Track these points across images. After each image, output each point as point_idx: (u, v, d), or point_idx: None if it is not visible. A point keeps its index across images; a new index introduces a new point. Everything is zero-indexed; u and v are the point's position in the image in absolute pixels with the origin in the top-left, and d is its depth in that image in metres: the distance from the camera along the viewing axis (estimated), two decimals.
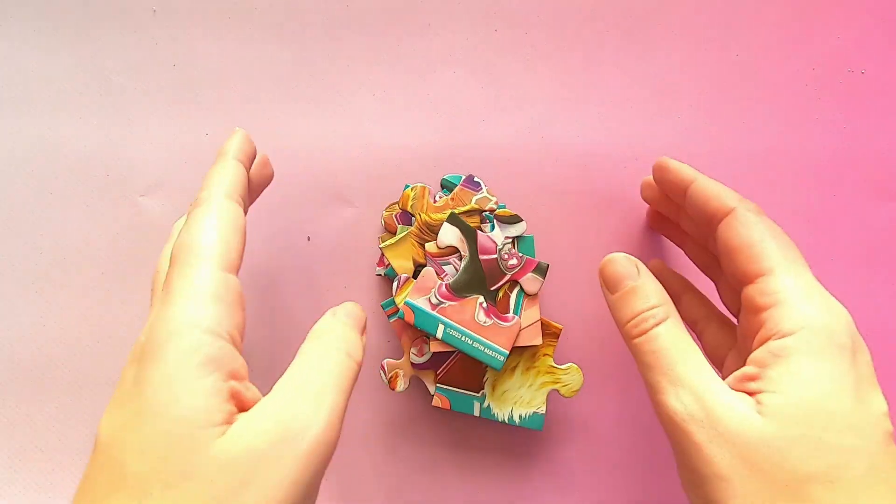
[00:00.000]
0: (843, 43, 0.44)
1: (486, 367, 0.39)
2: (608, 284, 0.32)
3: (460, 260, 0.39)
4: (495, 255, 0.39)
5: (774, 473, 0.25)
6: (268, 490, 0.23)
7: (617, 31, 0.44)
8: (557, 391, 0.40)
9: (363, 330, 0.32)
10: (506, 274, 0.39)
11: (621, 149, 0.43)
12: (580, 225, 0.43)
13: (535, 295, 0.39)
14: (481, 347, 0.37)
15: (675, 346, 0.29)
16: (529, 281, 0.39)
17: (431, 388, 0.40)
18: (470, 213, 0.40)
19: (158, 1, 0.43)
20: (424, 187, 0.41)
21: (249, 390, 0.26)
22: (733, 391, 0.27)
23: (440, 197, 0.41)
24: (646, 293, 0.31)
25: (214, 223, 0.28)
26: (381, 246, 0.40)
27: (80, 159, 0.42)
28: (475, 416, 0.40)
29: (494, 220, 0.40)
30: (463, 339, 0.37)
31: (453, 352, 0.39)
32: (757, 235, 0.31)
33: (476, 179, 0.40)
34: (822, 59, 0.44)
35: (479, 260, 0.39)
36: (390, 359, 0.40)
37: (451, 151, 0.43)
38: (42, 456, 0.41)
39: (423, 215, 0.40)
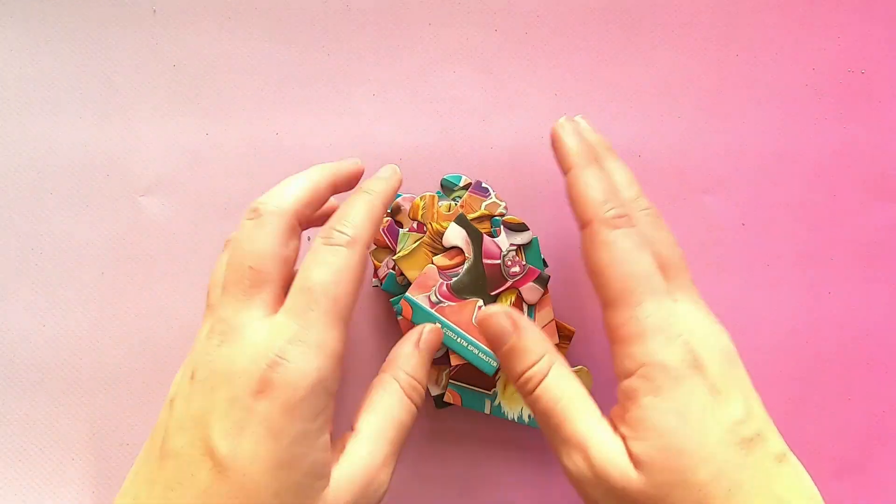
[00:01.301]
0: (843, 43, 0.44)
1: (500, 365, 0.39)
2: (492, 342, 0.32)
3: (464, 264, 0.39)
4: (499, 261, 0.39)
5: None
6: None
7: (617, 30, 0.44)
8: None
9: (431, 359, 0.35)
10: (507, 280, 0.39)
11: (622, 149, 0.43)
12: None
13: (545, 298, 0.39)
14: (475, 351, 0.37)
15: (559, 402, 0.30)
16: (529, 290, 0.39)
17: (433, 389, 0.39)
18: (480, 219, 0.40)
19: (158, 1, 0.43)
20: (434, 196, 0.40)
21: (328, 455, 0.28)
22: (613, 440, 0.29)
23: (442, 204, 0.41)
24: (524, 350, 0.31)
25: (352, 276, 0.28)
26: (395, 257, 0.39)
27: (80, 159, 0.42)
28: (485, 414, 0.40)
29: (501, 226, 0.40)
30: (458, 340, 0.37)
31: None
32: (605, 259, 0.30)
33: (484, 185, 0.40)
34: (822, 59, 0.44)
35: (482, 264, 0.38)
36: None
37: (451, 151, 0.43)
38: (42, 456, 0.41)
39: (434, 224, 0.40)
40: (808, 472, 0.43)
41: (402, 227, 0.40)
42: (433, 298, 0.37)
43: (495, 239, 0.39)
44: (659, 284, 0.30)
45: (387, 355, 0.41)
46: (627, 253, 0.30)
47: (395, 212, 0.41)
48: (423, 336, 0.34)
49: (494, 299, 0.38)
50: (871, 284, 0.44)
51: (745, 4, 0.44)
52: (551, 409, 0.30)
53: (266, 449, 0.25)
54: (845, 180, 0.44)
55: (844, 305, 0.44)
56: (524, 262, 0.39)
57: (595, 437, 0.29)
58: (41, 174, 0.42)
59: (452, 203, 0.42)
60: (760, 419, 0.29)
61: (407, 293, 0.38)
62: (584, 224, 0.32)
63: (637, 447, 0.28)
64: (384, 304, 0.42)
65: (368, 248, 0.30)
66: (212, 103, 0.43)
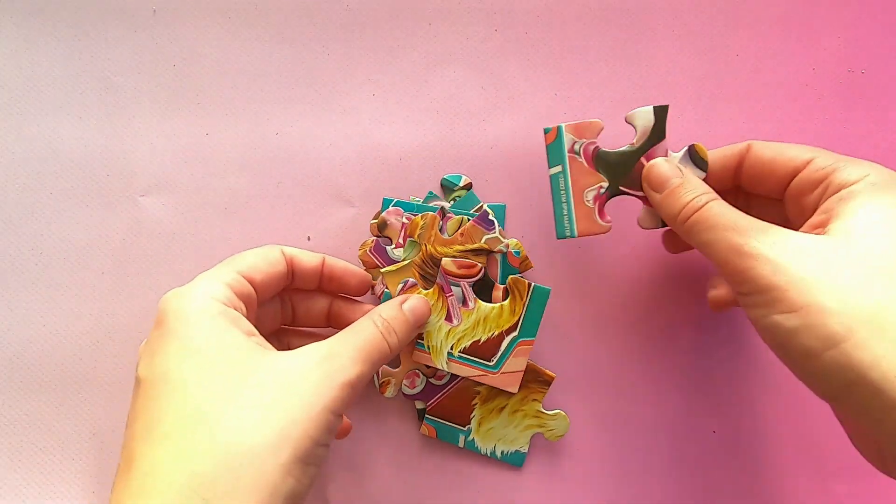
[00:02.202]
0: (843, 43, 0.44)
1: (475, 404, 0.41)
2: (654, 185, 0.35)
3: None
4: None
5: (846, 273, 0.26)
6: (310, 403, 0.28)
7: (617, 30, 0.44)
8: (542, 434, 0.41)
9: (417, 326, 0.37)
10: (640, 190, 0.37)
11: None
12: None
13: (525, 348, 0.39)
14: (565, 210, 0.38)
15: (730, 211, 0.31)
16: (647, 214, 0.38)
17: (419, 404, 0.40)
18: (478, 251, 0.40)
19: (158, 1, 0.43)
20: (435, 217, 0.40)
21: (268, 344, 0.32)
22: (793, 233, 0.29)
23: (446, 218, 0.40)
24: (692, 186, 0.33)
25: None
26: (382, 270, 0.40)
27: (80, 159, 0.42)
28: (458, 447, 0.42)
29: (687, 149, 0.37)
30: (562, 191, 0.38)
31: (446, 386, 0.41)
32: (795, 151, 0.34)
33: (491, 218, 0.39)
34: (822, 59, 0.44)
35: (641, 157, 0.37)
36: (386, 365, 0.41)
37: (451, 151, 0.43)
38: (42, 456, 0.41)
39: (429, 246, 0.39)
40: (809, 471, 0.43)
41: (389, 244, 0.40)
42: (576, 148, 0.37)
43: (673, 159, 0.36)
44: None
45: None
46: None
47: (381, 228, 0.40)
48: (410, 301, 0.36)
49: (618, 190, 0.38)
50: None
51: (745, 4, 0.44)
52: (720, 214, 0.31)
53: (178, 353, 0.29)
54: None
55: None
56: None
57: (774, 231, 0.29)
58: (41, 174, 0.42)
59: (451, 212, 0.42)
60: None
61: (562, 124, 0.37)
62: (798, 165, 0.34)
63: (833, 224, 0.29)
64: None
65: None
66: (212, 103, 0.43)
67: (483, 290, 0.39)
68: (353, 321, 0.35)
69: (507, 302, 0.39)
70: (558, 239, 0.38)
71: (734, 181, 0.37)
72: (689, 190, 0.33)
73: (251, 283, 0.33)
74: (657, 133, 0.37)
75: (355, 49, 0.43)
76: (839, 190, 0.30)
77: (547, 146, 0.38)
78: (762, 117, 0.44)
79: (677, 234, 0.34)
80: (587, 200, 0.38)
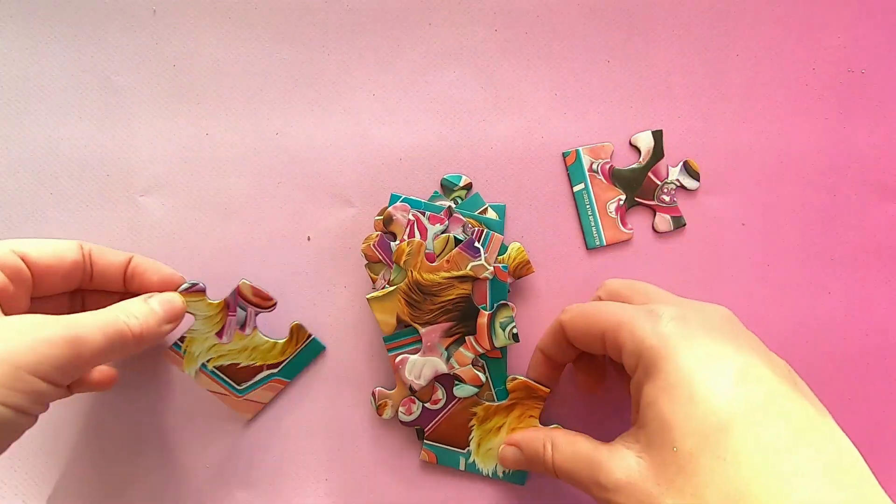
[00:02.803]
0: (843, 43, 0.44)
1: (472, 425, 0.41)
2: (519, 468, 0.39)
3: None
4: (660, 182, 0.43)
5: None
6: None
7: (617, 30, 0.44)
8: None
9: (168, 316, 0.37)
10: (653, 200, 0.43)
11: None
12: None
13: (282, 384, 0.41)
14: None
15: (570, 467, 0.33)
16: (662, 220, 0.43)
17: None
18: (463, 278, 0.39)
19: (158, 1, 0.43)
20: (421, 244, 0.39)
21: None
22: (619, 453, 0.30)
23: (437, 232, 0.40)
24: (531, 457, 0.37)
25: None
26: (368, 297, 0.39)
27: (80, 159, 0.42)
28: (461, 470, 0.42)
29: (682, 164, 0.43)
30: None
31: (442, 410, 0.41)
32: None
33: (476, 245, 0.39)
34: (822, 59, 0.44)
35: (650, 173, 0.43)
36: (382, 388, 0.41)
37: (451, 151, 0.43)
38: (42, 456, 0.41)
39: (415, 273, 0.39)
40: None
41: (394, 240, 0.40)
42: (594, 167, 0.42)
43: (672, 173, 0.43)
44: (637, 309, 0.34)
45: (376, 365, 0.41)
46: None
47: (386, 223, 0.40)
48: (158, 295, 0.37)
49: (634, 201, 0.43)
50: (871, 284, 0.44)
51: (745, 4, 0.44)
52: (567, 471, 0.33)
53: None
54: (845, 180, 0.44)
55: (844, 305, 0.44)
56: (672, 198, 0.42)
57: (598, 459, 0.31)
58: (41, 174, 0.42)
59: (441, 199, 0.42)
60: (770, 384, 0.28)
61: (579, 148, 0.42)
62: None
63: (641, 436, 0.30)
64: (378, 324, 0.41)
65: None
66: (212, 103, 0.43)
67: (468, 315, 0.39)
68: (150, 280, 0.37)
69: (282, 342, 0.41)
70: (588, 249, 0.42)
71: (577, 351, 0.38)
72: (535, 454, 0.36)
73: (26, 262, 0.33)
74: (657, 153, 0.43)
75: (355, 49, 0.43)
76: (631, 368, 0.32)
77: (568, 167, 0.43)
78: (762, 117, 0.44)
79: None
80: (610, 212, 0.43)
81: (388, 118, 0.43)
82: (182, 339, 0.40)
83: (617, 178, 0.43)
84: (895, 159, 0.44)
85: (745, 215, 0.44)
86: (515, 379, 0.40)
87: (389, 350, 0.40)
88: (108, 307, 0.34)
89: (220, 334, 0.40)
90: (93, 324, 0.31)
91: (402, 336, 0.40)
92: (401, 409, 0.41)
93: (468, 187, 0.42)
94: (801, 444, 0.26)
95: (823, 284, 0.44)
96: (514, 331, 0.39)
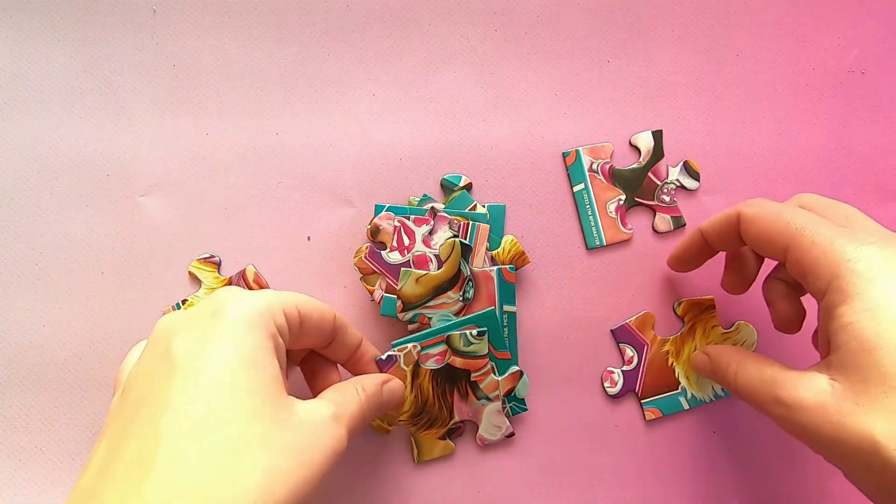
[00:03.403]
0: (843, 43, 0.44)
1: (672, 363, 0.42)
2: (705, 375, 0.38)
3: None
4: (659, 182, 0.43)
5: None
6: (320, 455, 0.27)
7: (617, 30, 0.44)
8: None
9: (388, 409, 0.36)
10: (653, 200, 0.43)
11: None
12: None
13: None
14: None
15: (754, 382, 0.32)
16: (662, 220, 0.43)
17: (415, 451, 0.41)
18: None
19: (158, 1, 0.43)
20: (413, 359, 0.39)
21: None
22: (805, 376, 0.29)
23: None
24: (718, 362, 0.35)
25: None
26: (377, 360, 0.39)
27: (80, 159, 0.42)
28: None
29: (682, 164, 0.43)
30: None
31: (639, 365, 0.42)
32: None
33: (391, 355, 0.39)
34: (822, 59, 0.44)
35: (649, 173, 0.43)
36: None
37: (451, 151, 0.43)
38: (42, 456, 0.41)
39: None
40: (808, 471, 0.43)
41: (383, 249, 0.40)
42: (594, 167, 0.43)
43: (672, 173, 0.43)
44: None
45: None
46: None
47: (374, 234, 0.40)
48: (391, 384, 0.36)
49: (634, 201, 0.43)
50: None
51: (745, 4, 0.44)
52: (748, 390, 0.32)
53: (228, 352, 0.26)
54: (845, 180, 0.44)
55: None
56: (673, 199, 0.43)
57: (781, 379, 0.30)
58: (41, 174, 0.42)
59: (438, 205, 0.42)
60: None
61: (579, 148, 0.42)
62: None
63: (834, 360, 0.28)
64: (378, 324, 0.41)
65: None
66: (212, 103, 0.43)
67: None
68: (325, 380, 0.35)
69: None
70: (588, 249, 0.43)
71: (740, 243, 0.36)
72: (721, 363, 0.35)
73: (300, 325, 0.31)
74: (657, 153, 0.43)
75: (355, 49, 0.43)
76: (821, 298, 0.30)
77: (568, 167, 0.43)
78: (762, 117, 0.44)
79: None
80: (610, 212, 0.43)
81: (388, 118, 0.43)
82: (184, 301, 0.41)
83: (617, 178, 0.43)
84: (895, 159, 0.44)
85: None
86: (682, 302, 0.42)
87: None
88: (351, 389, 0.32)
89: None
90: (353, 428, 0.30)
91: (409, 341, 0.39)
92: (605, 383, 0.42)
93: (468, 187, 0.43)
94: None
95: None
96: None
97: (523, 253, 0.41)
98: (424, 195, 0.42)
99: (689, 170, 0.43)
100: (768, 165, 0.44)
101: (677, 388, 0.42)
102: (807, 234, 0.30)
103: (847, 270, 0.28)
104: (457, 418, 0.41)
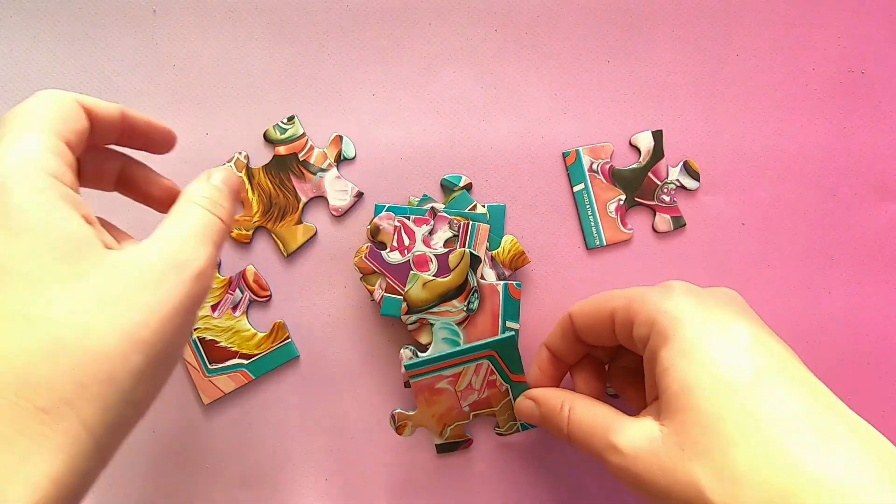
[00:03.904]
0: (843, 43, 0.44)
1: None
2: (532, 423, 0.37)
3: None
4: (659, 182, 0.43)
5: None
6: (159, 300, 0.24)
7: (617, 31, 0.44)
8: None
9: (236, 195, 0.31)
10: (653, 200, 0.43)
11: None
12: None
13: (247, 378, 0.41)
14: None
15: (584, 427, 0.32)
16: (662, 220, 0.43)
17: (436, 438, 0.41)
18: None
19: (158, 1, 0.43)
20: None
21: (107, 236, 0.27)
22: (636, 421, 0.30)
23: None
24: (548, 412, 0.35)
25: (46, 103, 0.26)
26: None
27: None
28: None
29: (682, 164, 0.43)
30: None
31: None
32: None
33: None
34: (822, 59, 0.44)
35: (649, 173, 0.43)
36: (401, 410, 0.41)
37: (451, 151, 0.43)
38: None
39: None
40: None
41: (384, 249, 0.40)
42: (594, 167, 0.43)
43: (672, 173, 0.43)
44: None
45: (374, 364, 0.41)
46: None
47: (374, 234, 0.40)
48: (217, 173, 0.31)
49: (634, 201, 0.43)
50: (871, 284, 0.44)
51: (745, 4, 0.44)
52: (582, 434, 0.32)
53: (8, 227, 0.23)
54: (845, 180, 0.44)
55: (844, 305, 0.44)
56: (672, 198, 0.43)
57: (616, 426, 0.30)
58: None
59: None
60: (781, 353, 0.28)
61: (579, 148, 0.42)
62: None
63: (661, 405, 0.29)
64: (378, 324, 0.41)
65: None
66: (212, 103, 0.43)
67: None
68: (148, 188, 0.31)
69: (261, 335, 0.41)
70: (588, 249, 0.43)
71: (587, 345, 0.37)
72: (551, 411, 0.35)
73: (69, 147, 0.26)
74: (657, 153, 0.43)
75: (355, 49, 0.43)
76: (643, 345, 0.31)
77: (568, 167, 0.43)
78: (762, 117, 0.44)
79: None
80: (610, 212, 0.43)
81: (388, 118, 0.43)
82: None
83: (617, 178, 0.43)
84: (895, 159, 0.44)
85: (745, 215, 0.44)
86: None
87: (412, 377, 0.40)
88: (186, 205, 0.28)
89: (214, 308, 0.41)
90: (208, 237, 0.27)
91: (424, 363, 0.40)
92: (607, 383, 0.40)
93: (468, 187, 0.43)
94: (820, 407, 0.26)
95: (823, 284, 0.44)
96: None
97: (523, 253, 0.41)
98: (424, 195, 0.42)
99: (689, 170, 0.43)
100: (768, 165, 0.44)
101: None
102: (622, 296, 0.33)
103: (662, 314, 0.30)
104: (304, 199, 0.41)
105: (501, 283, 0.41)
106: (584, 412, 0.33)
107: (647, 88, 0.44)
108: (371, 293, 0.40)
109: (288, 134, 0.42)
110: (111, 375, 0.22)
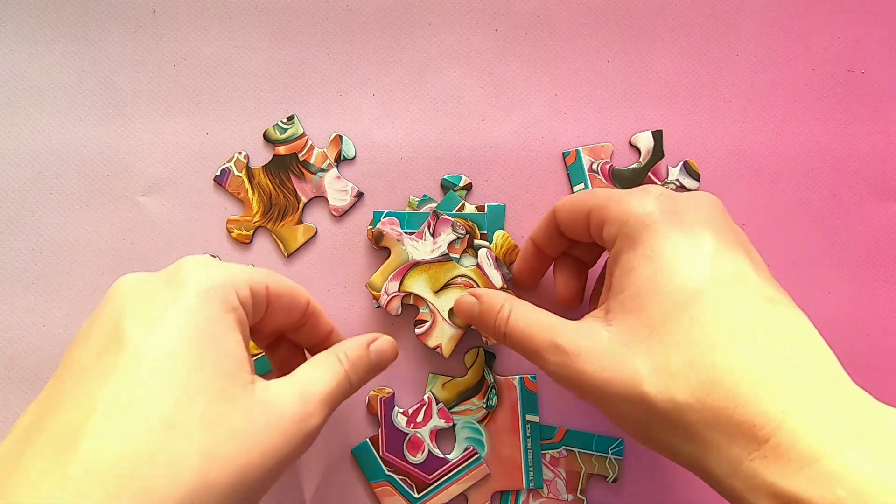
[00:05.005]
0: (843, 43, 0.44)
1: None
2: (466, 318, 0.36)
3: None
4: (660, 183, 0.43)
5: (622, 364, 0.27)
6: (276, 447, 0.25)
7: (617, 31, 0.44)
8: None
9: (380, 370, 0.34)
10: None
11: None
12: None
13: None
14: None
15: (526, 326, 0.31)
16: None
17: None
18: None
19: (158, 1, 0.43)
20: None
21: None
22: (581, 324, 0.30)
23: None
24: (488, 307, 0.34)
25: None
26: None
27: (80, 159, 0.42)
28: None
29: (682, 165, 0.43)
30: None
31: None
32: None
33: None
34: (822, 59, 0.44)
35: (650, 173, 0.43)
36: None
37: (451, 151, 0.43)
38: None
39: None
40: None
41: (388, 256, 0.40)
42: (594, 167, 0.42)
43: (672, 173, 0.43)
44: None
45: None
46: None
47: (377, 240, 0.41)
48: (378, 342, 0.33)
49: None
50: (871, 285, 0.44)
51: (745, 4, 0.44)
52: (521, 334, 0.31)
53: (180, 327, 0.24)
54: (845, 180, 0.44)
55: (844, 306, 0.44)
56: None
57: (560, 327, 0.30)
58: (41, 174, 0.42)
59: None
60: (743, 264, 0.28)
61: (579, 148, 0.42)
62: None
63: (612, 305, 0.29)
64: (379, 324, 0.41)
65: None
66: (212, 103, 0.43)
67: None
68: (311, 341, 0.34)
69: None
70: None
71: (569, 240, 0.37)
72: (491, 306, 0.33)
73: (268, 304, 0.29)
74: (657, 153, 0.43)
75: (355, 49, 0.43)
76: (611, 245, 0.31)
77: (568, 167, 0.43)
78: (762, 117, 0.44)
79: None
80: None
81: (388, 118, 0.43)
82: None
83: (617, 178, 0.43)
84: (895, 159, 0.44)
85: (745, 215, 0.44)
86: None
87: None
88: (331, 358, 0.30)
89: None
90: (331, 402, 0.29)
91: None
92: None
93: (468, 187, 0.43)
94: (771, 315, 0.26)
95: (823, 284, 0.44)
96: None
97: (516, 246, 0.41)
98: (424, 196, 0.42)
99: (689, 170, 0.43)
100: (768, 165, 0.44)
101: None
102: (603, 195, 0.32)
103: (633, 217, 0.30)
104: (304, 199, 0.41)
105: (517, 377, 0.41)
106: (527, 314, 0.32)
107: (647, 88, 0.44)
108: (376, 299, 0.40)
109: (288, 134, 0.42)
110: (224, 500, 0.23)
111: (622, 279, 0.29)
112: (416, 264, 0.40)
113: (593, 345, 0.28)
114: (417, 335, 0.40)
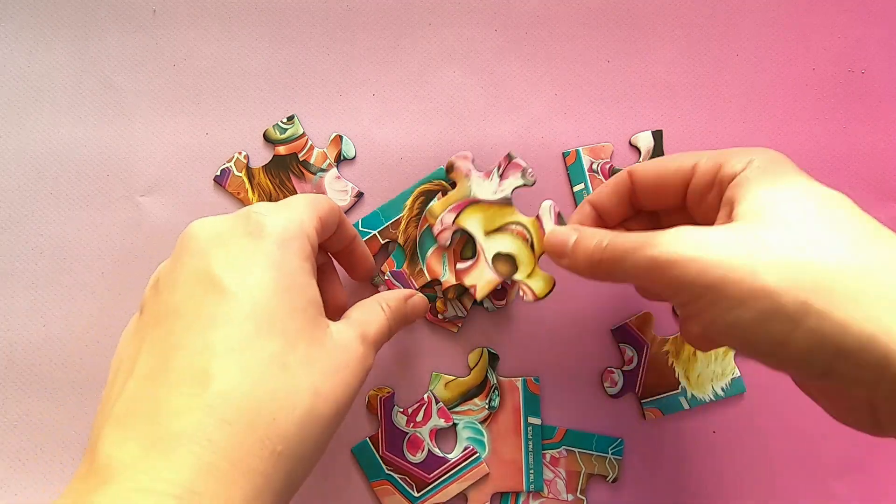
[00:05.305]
0: (843, 43, 0.44)
1: (672, 363, 0.42)
2: (557, 253, 0.34)
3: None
4: None
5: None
6: (353, 382, 0.28)
7: (617, 31, 0.44)
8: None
9: (409, 323, 0.36)
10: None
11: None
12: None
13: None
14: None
15: (633, 235, 0.29)
16: None
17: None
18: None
19: (158, 1, 0.43)
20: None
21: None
22: (690, 228, 0.28)
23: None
24: (589, 235, 0.32)
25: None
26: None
27: (80, 159, 0.42)
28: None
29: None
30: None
31: (639, 366, 0.42)
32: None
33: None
34: (822, 59, 0.44)
35: None
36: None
37: (451, 151, 0.43)
38: (42, 456, 0.41)
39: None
40: (808, 472, 0.43)
41: (452, 187, 0.39)
42: (594, 167, 0.42)
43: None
44: None
45: (375, 362, 0.41)
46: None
47: (448, 170, 0.39)
48: (415, 298, 0.36)
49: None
50: None
51: (745, 4, 0.44)
52: (621, 251, 0.30)
53: (270, 276, 0.26)
54: (845, 180, 0.44)
55: None
56: None
57: (659, 237, 0.28)
58: (41, 174, 0.42)
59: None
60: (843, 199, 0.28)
61: (579, 148, 0.40)
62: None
63: (738, 213, 0.28)
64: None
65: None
66: (212, 103, 0.43)
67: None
68: (354, 263, 0.37)
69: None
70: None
71: (633, 208, 0.36)
72: (588, 238, 0.32)
73: (318, 234, 0.31)
74: (657, 153, 0.43)
75: (355, 49, 0.43)
76: (730, 182, 0.30)
77: (568, 167, 0.43)
78: (762, 117, 0.44)
79: (610, 280, 0.32)
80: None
81: (388, 118, 0.43)
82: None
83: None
84: (895, 159, 0.44)
85: None
86: None
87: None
88: (376, 305, 0.33)
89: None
90: (378, 343, 0.31)
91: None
92: (605, 383, 0.42)
93: None
94: (881, 231, 0.27)
95: None
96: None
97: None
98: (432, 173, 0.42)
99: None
100: None
101: (677, 389, 0.42)
102: (704, 153, 0.32)
103: (762, 152, 0.31)
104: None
105: (520, 378, 0.41)
106: (624, 236, 0.30)
107: (647, 88, 0.44)
108: (431, 226, 0.40)
109: (288, 134, 0.42)
110: (317, 441, 0.26)
111: (748, 192, 0.29)
112: (475, 202, 0.39)
113: (706, 243, 0.27)
114: (458, 270, 0.39)
